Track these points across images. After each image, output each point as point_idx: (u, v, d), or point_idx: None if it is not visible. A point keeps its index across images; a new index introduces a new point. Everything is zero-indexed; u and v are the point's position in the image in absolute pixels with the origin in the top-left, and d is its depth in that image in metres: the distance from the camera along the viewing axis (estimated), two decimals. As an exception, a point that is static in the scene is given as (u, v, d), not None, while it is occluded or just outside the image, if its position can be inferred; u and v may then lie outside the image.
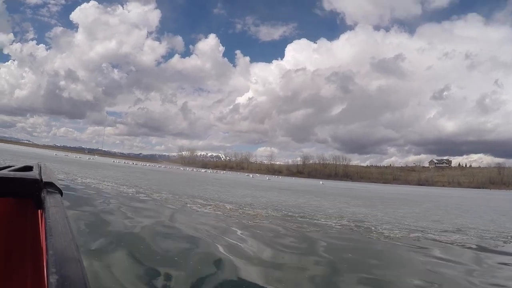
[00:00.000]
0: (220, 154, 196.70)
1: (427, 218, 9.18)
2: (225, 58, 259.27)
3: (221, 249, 4.03)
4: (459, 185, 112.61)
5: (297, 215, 7.67)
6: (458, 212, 12.23)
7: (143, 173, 24.43)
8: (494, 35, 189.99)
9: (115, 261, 3.11)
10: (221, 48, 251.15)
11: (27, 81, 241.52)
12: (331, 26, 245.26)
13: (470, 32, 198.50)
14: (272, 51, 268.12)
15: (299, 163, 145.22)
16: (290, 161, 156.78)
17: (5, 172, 0.83)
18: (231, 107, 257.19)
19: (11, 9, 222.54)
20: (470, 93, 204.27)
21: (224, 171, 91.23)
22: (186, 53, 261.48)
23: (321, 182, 51.97)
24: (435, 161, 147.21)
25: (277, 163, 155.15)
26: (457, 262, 4.34)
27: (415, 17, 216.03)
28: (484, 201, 24.61)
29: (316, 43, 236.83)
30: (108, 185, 10.48)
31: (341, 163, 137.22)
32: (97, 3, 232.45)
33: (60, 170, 14.60)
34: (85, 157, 62.93)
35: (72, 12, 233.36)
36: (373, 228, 6.58)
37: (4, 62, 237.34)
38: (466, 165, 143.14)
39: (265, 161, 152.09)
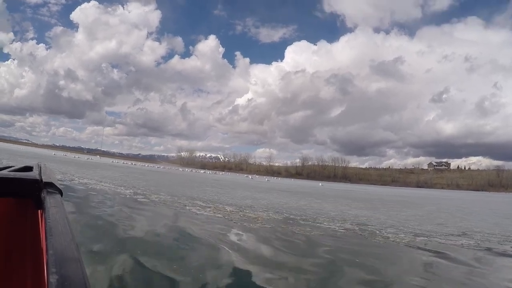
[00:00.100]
0: (219, 155, 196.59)
1: (431, 222, 9.02)
2: (225, 59, 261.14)
3: (222, 253, 3.87)
4: (458, 187, 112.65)
5: (299, 218, 7.50)
6: (461, 215, 12.09)
7: (142, 173, 24.21)
8: (494, 38, 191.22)
9: (115, 261, 3.09)
10: (221, 49, 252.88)
11: (26, 80, 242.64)
12: (331, 28, 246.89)
13: (470, 35, 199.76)
14: (272, 53, 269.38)
15: (298, 164, 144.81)
16: (289, 163, 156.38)
17: (5, 172, 0.84)
18: (231, 108, 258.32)
19: (11, 8, 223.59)
20: (469, 96, 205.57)
21: (223, 172, 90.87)
22: (186, 54, 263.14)
23: (320, 184, 51.83)
24: (434, 164, 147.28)
25: (276, 164, 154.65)
26: (468, 266, 4.18)
27: (415, 20, 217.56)
28: (484, 203, 24.52)
29: (316, 45, 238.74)
30: (107, 186, 10.29)
31: (340, 165, 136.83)
32: (97, 3, 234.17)
33: (57, 170, 14.37)
34: (84, 157, 62.59)
35: (73, 12, 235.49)
36: (377, 232, 6.42)
37: (4, 61, 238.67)
38: (465, 168, 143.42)
39: (264, 162, 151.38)
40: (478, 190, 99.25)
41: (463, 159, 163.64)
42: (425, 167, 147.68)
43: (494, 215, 13.15)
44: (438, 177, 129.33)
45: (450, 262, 4.41)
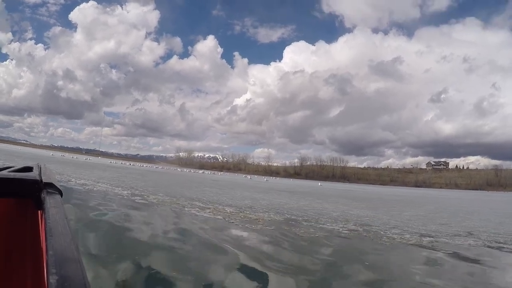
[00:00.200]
0: (217, 155, 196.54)
1: (434, 221, 8.88)
2: (224, 59, 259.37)
3: (225, 256, 3.70)
4: (456, 186, 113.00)
5: (301, 218, 7.33)
6: (463, 215, 11.97)
7: (140, 174, 23.97)
8: (492, 39, 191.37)
9: (114, 261, 3.06)
10: (220, 50, 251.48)
11: (25, 80, 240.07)
12: (329, 29, 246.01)
13: (469, 35, 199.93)
14: (270, 53, 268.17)
15: (296, 164, 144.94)
16: (287, 163, 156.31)
17: (5, 172, 0.85)
18: (229, 108, 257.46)
19: (10, 8, 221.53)
20: (467, 96, 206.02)
21: (222, 172, 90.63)
22: (185, 54, 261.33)
23: (319, 184, 51.71)
24: (433, 163, 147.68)
25: (275, 164, 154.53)
26: (480, 265, 4.02)
27: (414, 20, 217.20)
28: (483, 203, 24.48)
29: (314, 45, 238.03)
30: (106, 187, 10.08)
31: (339, 165, 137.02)
32: (96, 3, 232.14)
33: (54, 171, 14.12)
34: (82, 158, 62.19)
35: (71, 12, 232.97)
36: (382, 232, 6.25)
37: (2, 61, 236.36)
38: (463, 167, 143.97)
39: (262, 163, 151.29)
40: (476, 189, 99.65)
41: (462, 158, 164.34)
42: (424, 166, 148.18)
43: (495, 215, 13.04)
44: (437, 177, 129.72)
45: (460, 262, 4.27)
